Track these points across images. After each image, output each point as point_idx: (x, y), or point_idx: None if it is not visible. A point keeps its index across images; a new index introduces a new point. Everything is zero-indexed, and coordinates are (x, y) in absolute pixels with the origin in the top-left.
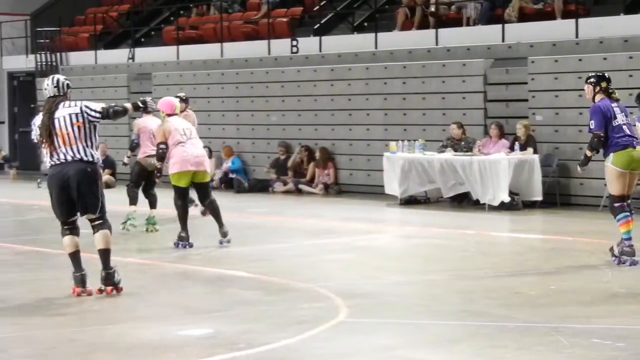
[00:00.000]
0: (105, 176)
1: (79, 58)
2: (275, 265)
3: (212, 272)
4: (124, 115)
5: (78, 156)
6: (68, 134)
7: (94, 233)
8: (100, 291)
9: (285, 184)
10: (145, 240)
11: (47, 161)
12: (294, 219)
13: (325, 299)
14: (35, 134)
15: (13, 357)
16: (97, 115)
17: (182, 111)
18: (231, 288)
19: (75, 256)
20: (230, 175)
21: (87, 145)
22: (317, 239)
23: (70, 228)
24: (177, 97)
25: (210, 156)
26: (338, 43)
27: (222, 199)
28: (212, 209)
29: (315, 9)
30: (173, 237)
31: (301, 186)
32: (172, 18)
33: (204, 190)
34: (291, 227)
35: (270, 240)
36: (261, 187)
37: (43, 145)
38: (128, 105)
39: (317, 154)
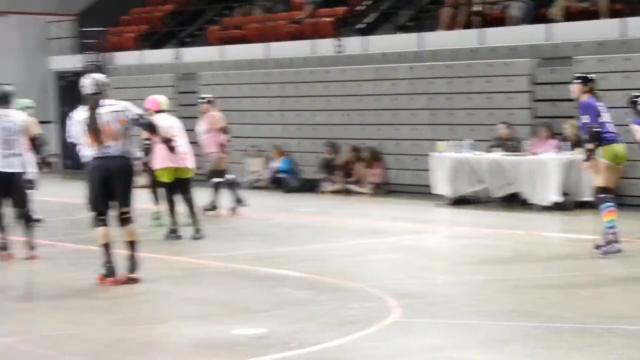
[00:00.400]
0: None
1: (124, 58)
2: (324, 264)
3: (262, 272)
4: (150, 132)
5: (121, 151)
6: (113, 129)
7: (121, 226)
8: (130, 279)
9: (333, 183)
10: (193, 240)
11: (89, 154)
12: (342, 219)
13: (375, 298)
14: (73, 130)
15: (66, 355)
16: (134, 117)
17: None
18: (282, 287)
19: (108, 247)
20: (279, 175)
21: (128, 142)
22: (366, 238)
23: (105, 220)
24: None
25: (258, 156)
26: (382, 43)
27: (271, 199)
28: (189, 206)
29: (359, 8)
30: (223, 236)
31: (349, 186)
32: (216, 18)
33: (185, 185)
34: (339, 227)
35: (319, 240)
36: (309, 186)
37: (87, 139)
38: (160, 130)
39: (365, 154)
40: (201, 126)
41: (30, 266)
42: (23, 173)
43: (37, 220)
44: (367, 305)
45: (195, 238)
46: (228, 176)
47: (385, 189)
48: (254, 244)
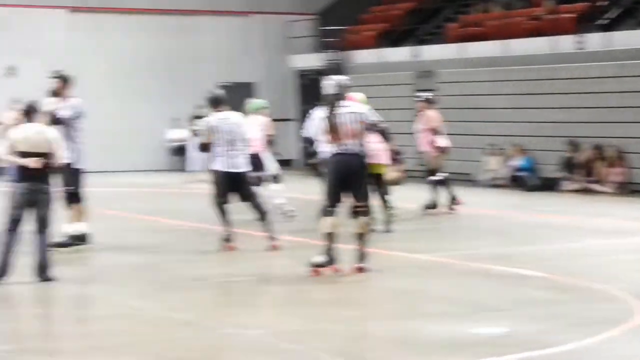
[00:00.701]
0: (394, 173)
1: (363, 56)
2: (566, 264)
3: (501, 270)
4: (383, 138)
5: (357, 150)
6: (351, 129)
7: (354, 218)
8: (358, 269)
9: (573, 182)
10: (428, 237)
11: (328, 150)
12: (583, 218)
13: (619, 300)
14: (312, 127)
15: (313, 350)
16: (372, 123)
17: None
18: (522, 287)
19: (332, 236)
20: (519, 173)
21: (363, 142)
22: (608, 238)
23: (334, 211)
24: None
25: (497, 154)
26: (626, 38)
27: (510, 197)
28: (381, 200)
29: (601, 4)
30: (459, 234)
31: (590, 185)
32: (454, 15)
33: (378, 181)
34: (580, 227)
35: (559, 240)
36: (549, 185)
37: (327, 136)
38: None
39: (607, 153)
40: (417, 125)
41: (267, 260)
42: (248, 171)
43: (289, 214)
44: (611, 307)
45: (386, 232)
46: (440, 174)
47: (629, 189)
48: (492, 242)
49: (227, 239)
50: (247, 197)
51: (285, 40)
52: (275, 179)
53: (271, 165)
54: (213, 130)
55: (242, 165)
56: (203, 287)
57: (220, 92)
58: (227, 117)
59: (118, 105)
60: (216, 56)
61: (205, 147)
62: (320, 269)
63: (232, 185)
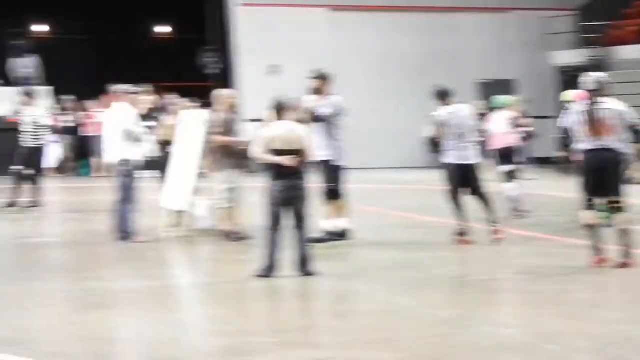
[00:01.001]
0: None
1: (627, 52)
2: None
3: None
4: (636, 140)
5: (613, 146)
6: (609, 125)
7: (613, 214)
8: (624, 265)
9: None
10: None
11: (584, 145)
12: None
13: None
14: (569, 120)
15: (569, 352)
16: (632, 123)
17: None
18: None
19: (593, 228)
20: None
21: (620, 139)
22: None
23: (592, 205)
24: None
25: None
26: None
27: None
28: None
29: None
30: None
31: None
32: None
33: None
34: None
35: None
36: None
37: (583, 131)
38: None
39: None
40: None
41: (519, 257)
42: (476, 164)
43: (521, 212)
44: None
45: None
46: None
47: None
48: None
49: (462, 233)
50: (476, 189)
51: (543, 36)
52: (523, 173)
53: (519, 160)
54: (443, 124)
55: (471, 157)
56: (459, 284)
57: (448, 87)
58: (455, 111)
59: (376, 103)
60: (473, 54)
61: (434, 142)
62: (600, 261)
63: (464, 178)
